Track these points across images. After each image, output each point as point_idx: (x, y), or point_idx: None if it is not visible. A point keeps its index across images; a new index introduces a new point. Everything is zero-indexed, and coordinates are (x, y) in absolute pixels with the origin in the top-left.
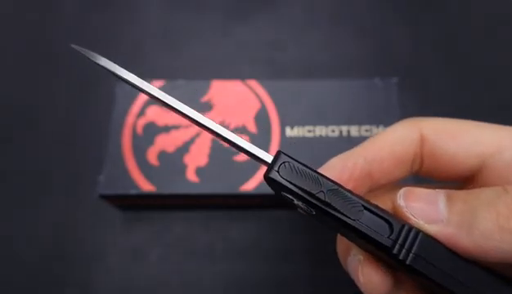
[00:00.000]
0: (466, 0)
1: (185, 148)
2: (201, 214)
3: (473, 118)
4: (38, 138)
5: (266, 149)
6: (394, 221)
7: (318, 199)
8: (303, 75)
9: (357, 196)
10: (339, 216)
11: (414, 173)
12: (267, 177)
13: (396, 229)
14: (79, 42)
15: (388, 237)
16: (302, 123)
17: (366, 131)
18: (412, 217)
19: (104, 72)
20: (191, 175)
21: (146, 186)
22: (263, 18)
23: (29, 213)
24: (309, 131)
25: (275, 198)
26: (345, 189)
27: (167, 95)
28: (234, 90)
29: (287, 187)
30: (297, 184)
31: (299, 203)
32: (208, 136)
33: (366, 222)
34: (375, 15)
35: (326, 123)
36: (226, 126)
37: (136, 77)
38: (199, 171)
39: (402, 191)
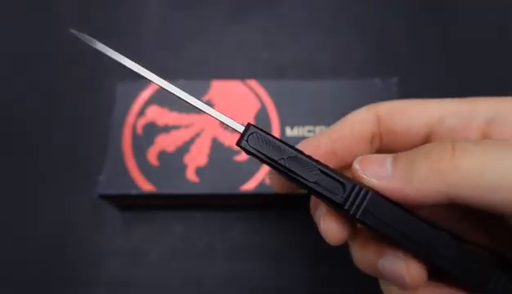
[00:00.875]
0: (466, 0)
1: (185, 148)
2: (201, 214)
3: None
4: (38, 138)
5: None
6: (347, 182)
7: (280, 165)
8: (303, 75)
9: (315, 161)
10: (298, 179)
11: (375, 151)
12: (238, 145)
13: (348, 189)
14: (79, 42)
15: (341, 196)
16: (302, 123)
17: None
18: (365, 176)
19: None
20: (191, 175)
21: (146, 186)
22: (263, 18)
23: (29, 213)
24: (309, 131)
25: (274, 196)
26: (305, 155)
27: (160, 79)
28: (234, 90)
29: (254, 154)
30: (262, 151)
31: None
32: (209, 136)
33: (322, 183)
34: (375, 15)
35: (326, 123)
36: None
37: (129, 60)
38: (199, 171)
39: (358, 158)
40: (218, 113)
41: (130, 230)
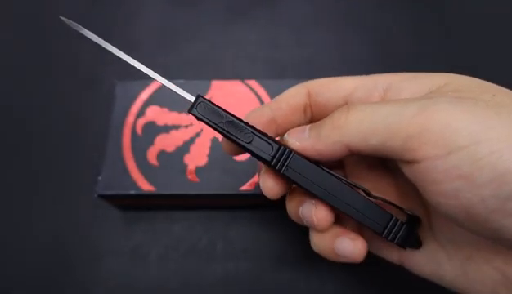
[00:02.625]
0: (468, 0)
1: (185, 148)
2: (201, 214)
3: None
4: (38, 138)
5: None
6: (274, 144)
7: (220, 127)
8: (303, 75)
9: (249, 126)
10: (235, 139)
11: (309, 120)
12: (189, 112)
13: (275, 149)
14: (79, 42)
15: (269, 154)
16: None
17: None
18: (289, 140)
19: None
20: (191, 176)
21: (146, 186)
22: (263, 18)
23: (28, 213)
24: None
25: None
26: (241, 120)
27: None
28: (234, 90)
29: (201, 119)
30: (207, 117)
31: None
32: (208, 136)
33: (254, 144)
34: (376, 15)
35: None
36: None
37: (113, 46)
38: (199, 171)
39: (289, 131)
40: (172, 85)
41: (130, 230)
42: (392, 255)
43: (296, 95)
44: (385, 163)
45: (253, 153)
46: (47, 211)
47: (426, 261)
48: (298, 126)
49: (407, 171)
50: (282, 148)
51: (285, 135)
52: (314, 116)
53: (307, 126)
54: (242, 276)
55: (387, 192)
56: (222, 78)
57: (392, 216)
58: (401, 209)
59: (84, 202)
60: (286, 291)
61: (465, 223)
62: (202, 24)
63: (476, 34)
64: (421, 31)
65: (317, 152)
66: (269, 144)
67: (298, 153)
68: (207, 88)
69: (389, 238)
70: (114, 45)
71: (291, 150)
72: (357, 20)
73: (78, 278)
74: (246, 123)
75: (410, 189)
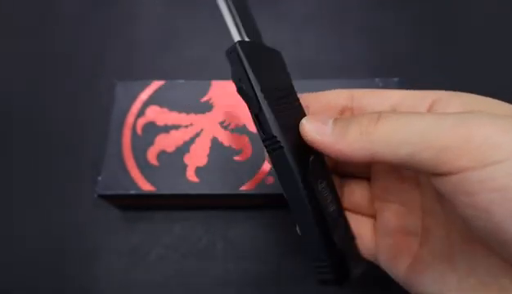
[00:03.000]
0: (467, 0)
1: (185, 148)
2: (201, 214)
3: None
4: (38, 138)
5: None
6: (270, 130)
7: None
8: (303, 75)
9: (259, 97)
10: (249, 101)
11: None
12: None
13: (268, 136)
14: (79, 42)
15: (262, 135)
16: None
17: None
18: (307, 127)
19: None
20: (191, 176)
21: (146, 186)
22: (263, 18)
23: (28, 213)
24: None
25: (274, 196)
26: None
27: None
28: (234, 90)
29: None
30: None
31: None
32: (208, 136)
33: (259, 117)
34: (376, 15)
35: None
36: (228, 124)
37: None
38: (199, 171)
39: (306, 117)
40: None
41: (130, 230)
42: (398, 272)
43: (338, 94)
44: (416, 176)
45: (256, 123)
46: (47, 211)
47: (432, 282)
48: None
49: (438, 182)
50: (275, 139)
51: (304, 121)
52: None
53: (330, 120)
54: (242, 276)
55: (411, 207)
56: (222, 78)
57: (326, 262)
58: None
59: (84, 202)
60: (287, 291)
61: (492, 240)
62: (202, 24)
63: (476, 34)
64: (421, 31)
65: (339, 152)
66: (268, 125)
67: (293, 149)
68: (207, 88)
69: (315, 272)
70: (114, 45)
71: (280, 146)
72: (356, 20)
73: (78, 277)
74: (257, 92)
75: (437, 207)
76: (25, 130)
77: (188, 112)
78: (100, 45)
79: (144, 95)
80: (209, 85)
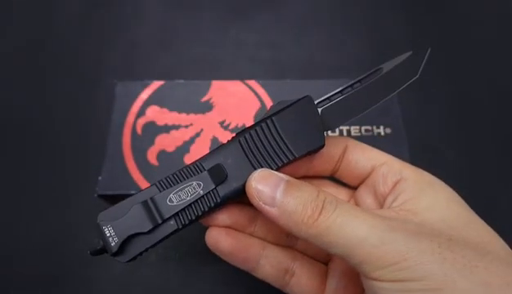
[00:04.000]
0: (466, 0)
1: (185, 148)
2: None
3: (469, 119)
4: (38, 138)
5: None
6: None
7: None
8: (303, 75)
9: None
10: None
11: (332, 173)
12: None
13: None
14: (79, 42)
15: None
16: None
17: (366, 131)
18: (257, 199)
19: (104, 72)
20: None
21: (146, 186)
22: (263, 18)
23: (28, 213)
24: None
25: None
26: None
27: None
28: (234, 90)
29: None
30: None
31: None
32: (208, 136)
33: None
34: (376, 16)
35: None
36: (228, 124)
37: None
38: None
39: (257, 173)
40: None
41: None
42: None
43: (337, 144)
44: None
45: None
46: (47, 210)
47: None
48: (327, 171)
49: (363, 280)
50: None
51: (253, 183)
52: (339, 170)
53: (282, 186)
54: (242, 276)
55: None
56: (222, 78)
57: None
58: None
59: (84, 202)
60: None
61: None
62: (202, 25)
63: (476, 34)
64: (420, 31)
65: (283, 226)
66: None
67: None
68: (207, 88)
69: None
70: (114, 45)
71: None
72: (357, 20)
73: (78, 278)
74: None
75: None
76: (25, 130)
77: (188, 112)
78: (100, 45)
79: (144, 95)
80: (209, 85)
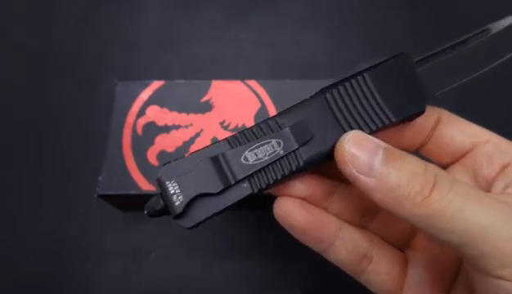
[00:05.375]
0: (466, 0)
1: (185, 148)
2: None
3: (473, 111)
4: (38, 138)
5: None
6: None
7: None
8: (303, 75)
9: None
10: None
11: (418, 147)
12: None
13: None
14: (79, 42)
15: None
16: None
17: None
18: (350, 166)
19: (104, 72)
20: None
21: (146, 186)
22: (263, 18)
23: (28, 213)
24: None
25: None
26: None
27: None
28: (234, 90)
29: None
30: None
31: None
32: (208, 136)
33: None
34: (376, 15)
35: None
36: (228, 124)
37: None
38: None
39: (351, 134)
40: None
41: (130, 230)
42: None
43: (429, 113)
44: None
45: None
46: (47, 211)
47: None
48: (414, 145)
49: (478, 277)
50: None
51: (346, 145)
52: (428, 144)
53: (382, 154)
54: (242, 275)
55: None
56: (222, 78)
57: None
58: None
59: (84, 202)
60: (287, 291)
61: None
62: (202, 24)
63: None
64: (420, 32)
65: (375, 200)
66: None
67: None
68: (207, 88)
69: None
70: (114, 45)
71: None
72: (357, 20)
73: (78, 278)
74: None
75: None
76: (25, 130)
77: (188, 112)
78: (100, 45)
79: (144, 95)
80: (209, 85)
